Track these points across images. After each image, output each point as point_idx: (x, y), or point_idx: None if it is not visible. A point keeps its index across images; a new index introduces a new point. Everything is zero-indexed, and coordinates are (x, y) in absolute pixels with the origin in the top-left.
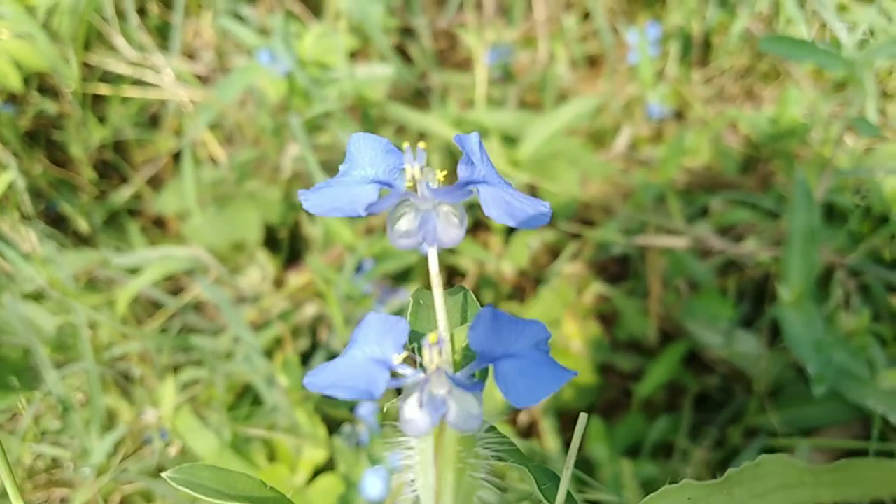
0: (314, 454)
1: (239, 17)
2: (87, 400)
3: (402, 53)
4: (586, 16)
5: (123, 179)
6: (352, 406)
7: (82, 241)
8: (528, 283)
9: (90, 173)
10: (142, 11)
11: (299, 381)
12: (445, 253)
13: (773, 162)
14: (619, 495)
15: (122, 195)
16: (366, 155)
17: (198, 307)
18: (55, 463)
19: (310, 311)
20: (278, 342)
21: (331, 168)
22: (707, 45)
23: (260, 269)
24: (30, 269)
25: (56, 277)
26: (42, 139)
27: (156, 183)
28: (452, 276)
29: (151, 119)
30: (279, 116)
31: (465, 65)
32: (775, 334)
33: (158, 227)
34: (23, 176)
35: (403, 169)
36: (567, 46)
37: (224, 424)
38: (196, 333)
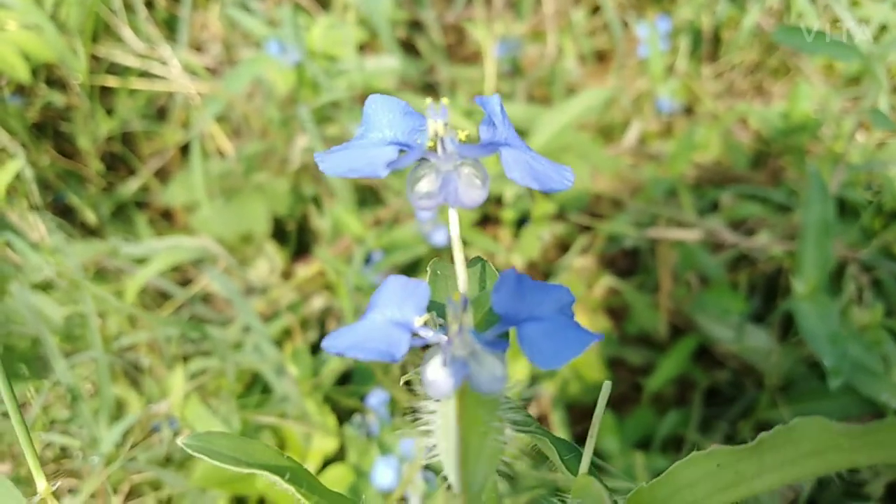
0: (324, 444)
1: (246, 9)
2: (96, 390)
3: (411, 47)
4: (595, 10)
5: (131, 171)
6: (362, 395)
7: (90, 232)
8: (538, 277)
9: (98, 165)
10: (149, 4)
11: (309, 370)
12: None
13: (783, 157)
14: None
15: (130, 187)
16: (383, 117)
17: (206, 298)
18: (64, 453)
19: (318, 302)
20: (286, 333)
21: None
22: (717, 40)
23: (268, 261)
24: (38, 259)
25: (66, 266)
26: (50, 131)
27: (163, 175)
28: None
29: (159, 111)
30: (287, 108)
31: (474, 59)
32: (786, 330)
33: (166, 220)
34: (31, 167)
35: (422, 131)
36: (575, 41)
37: (233, 413)
38: (205, 324)
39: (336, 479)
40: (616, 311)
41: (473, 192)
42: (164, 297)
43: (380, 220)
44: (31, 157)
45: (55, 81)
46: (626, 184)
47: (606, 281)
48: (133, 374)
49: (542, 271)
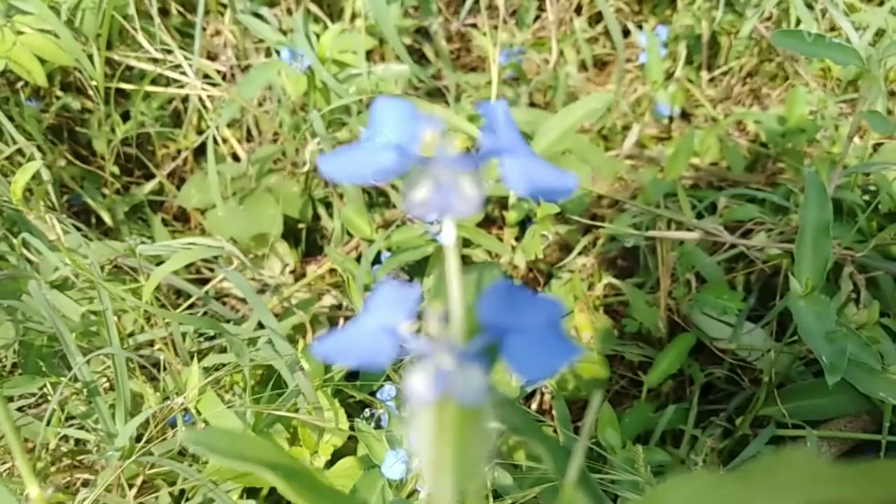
0: (335, 437)
1: (258, 17)
2: (112, 386)
3: (417, 53)
4: (597, 20)
5: (144, 174)
6: (373, 390)
7: (104, 233)
8: (540, 277)
9: (113, 168)
10: (163, 11)
11: (320, 366)
12: (459, 244)
13: (780, 160)
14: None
15: (144, 189)
16: (388, 121)
17: (219, 297)
18: (80, 448)
19: (327, 301)
20: (298, 330)
21: None
22: (714, 47)
23: (280, 261)
24: (55, 259)
25: (84, 264)
26: (64, 134)
27: (175, 177)
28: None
29: (172, 114)
30: (297, 113)
31: (477, 66)
32: (782, 329)
33: (179, 221)
34: (47, 169)
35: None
36: (576, 48)
37: (247, 408)
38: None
39: (346, 471)
40: (615, 309)
41: (468, 201)
42: (178, 295)
43: (388, 222)
44: (47, 159)
45: (68, 86)
46: (625, 186)
47: (607, 280)
48: (148, 371)
49: (543, 272)
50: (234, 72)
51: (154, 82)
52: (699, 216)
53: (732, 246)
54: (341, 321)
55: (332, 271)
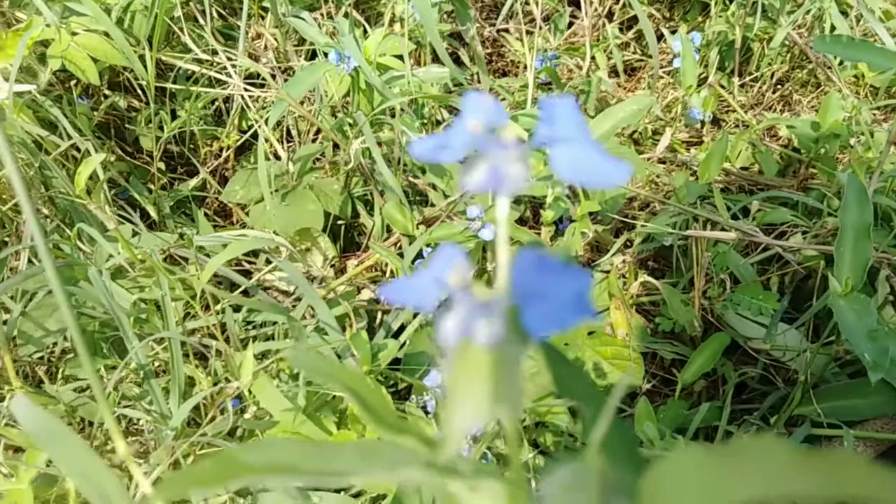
0: None
1: (300, 20)
2: (165, 369)
3: (451, 57)
4: (628, 26)
5: (187, 171)
6: (421, 375)
7: (149, 227)
8: None
9: (159, 164)
10: (204, 14)
11: (368, 352)
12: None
13: (813, 165)
14: None
15: (189, 185)
16: (472, 111)
17: (264, 288)
18: (134, 429)
19: (365, 295)
20: (339, 320)
21: (392, 161)
22: (746, 53)
23: (322, 254)
24: (110, 248)
25: (144, 252)
26: (112, 131)
27: (216, 176)
28: None
29: (214, 114)
30: (340, 113)
31: (509, 70)
32: (816, 330)
33: (220, 217)
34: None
35: (498, 126)
36: (607, 54)
37: (298, 391)
38: (265, 313)
39: None
40: (649, 309)
41: (514, 180)
42: (222, 285)
43: (427, 220)
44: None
45: (116, 84)
46: (658, 189)
47: (642, 279)
48: (201, 355)
49: None
50: (275, 73)
51: (197, 82)
52: (733, 219)
53: (765, 248)
54: (379, 314)
55: (369, 267)
